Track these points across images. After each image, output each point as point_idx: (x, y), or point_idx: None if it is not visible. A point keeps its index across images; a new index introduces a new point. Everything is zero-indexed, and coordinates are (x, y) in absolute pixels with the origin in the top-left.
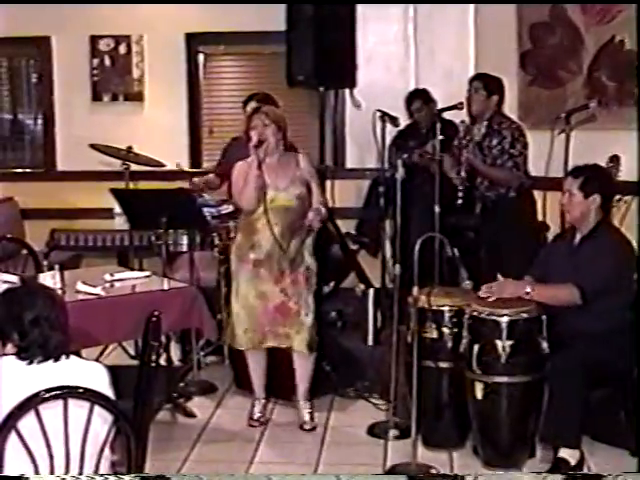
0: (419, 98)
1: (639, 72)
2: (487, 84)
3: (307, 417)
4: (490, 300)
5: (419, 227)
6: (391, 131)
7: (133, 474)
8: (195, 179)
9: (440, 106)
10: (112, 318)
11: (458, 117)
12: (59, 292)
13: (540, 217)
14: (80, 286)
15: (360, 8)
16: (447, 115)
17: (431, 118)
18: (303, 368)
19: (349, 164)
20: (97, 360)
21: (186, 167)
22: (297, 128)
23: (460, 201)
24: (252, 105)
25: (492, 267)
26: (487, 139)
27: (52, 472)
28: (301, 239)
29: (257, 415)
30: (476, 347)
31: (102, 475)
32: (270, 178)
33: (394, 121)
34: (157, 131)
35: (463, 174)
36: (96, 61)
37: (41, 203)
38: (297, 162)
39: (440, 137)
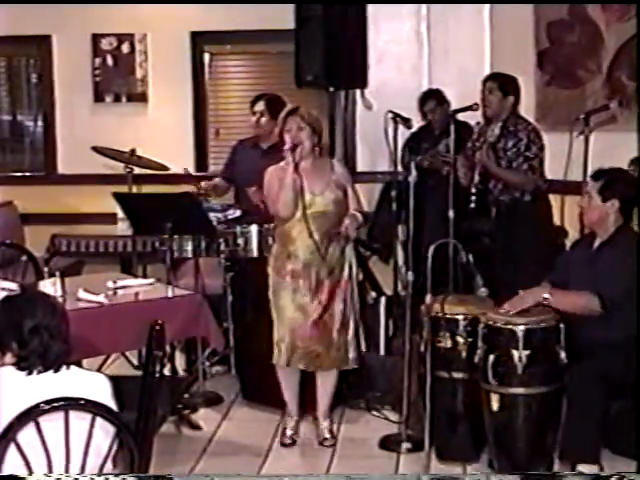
0: (433, 98)
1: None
2: (502, 84)
3: (327, 434)
4: (513, 313)
5: (432, 232)
6: (403, 133)
7: (135, 474)
8: (202, 183)
9: (454, 107)
10: (114, 327)
11: (473, 119)
12: (60, 300)
13: (558, 222)
14: (82, 294)
15: (371, 6)
16: (462, 116)
17: (445, 119)
18: (326, 384)
19: (360, 167)
20: (99, 370)
21: (192, 171)
22: None
23: (473, 205)
24: (259, 107)
25: (507, 274)
26: (502, 141)
27: None
28: (340, 247)
29: (290, 433)
30: (492, 357)
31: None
32: (306, 182)
33: (406, 122)
34: (161, 133)
35: (477, 177)
36: (98, 61)
37: (41, 207)
38: (332, 167)
39: (452, 136)
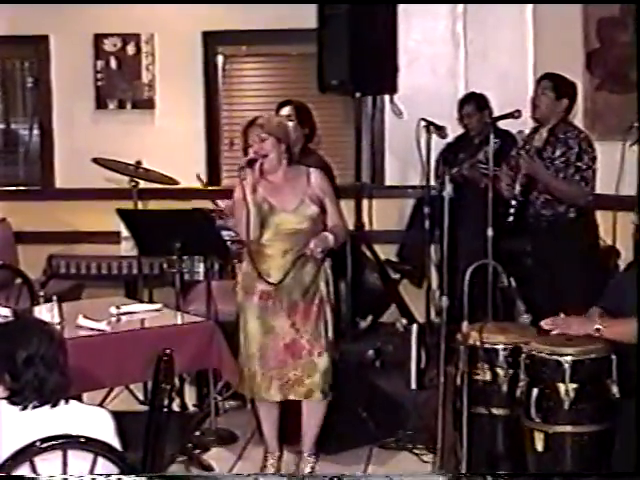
0: (473, 102)
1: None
2: (558, 86)
3: (309, 470)
4: (554, 333)
5: (469, 253)
6: (437, 143)
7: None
8: (220, 202)
9: (494, 114)
10: (118, 357)
11: (513, 127)
12: (57, 327)
13: (609, 241)
14: (81, 320)
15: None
16: (503, 124)
17: (484, 127)
18: (312, 415)
19: (389, 181)
20: (101, 405)
21: (204, 178)
22: (329, 140)
23: (511, 218)
24: (285, 112)
25: (548, 299)
26: (549, 148)
27: None
28: (316, 265)
29: (271, 471)
30: (535, 391)
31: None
32: (276, 199)
33: (441, 131)
34: (170, 143)
35: (518, 187)
36: (100, 63)
37: (37, 225)
38: (308, 177)
39: (494, 142)
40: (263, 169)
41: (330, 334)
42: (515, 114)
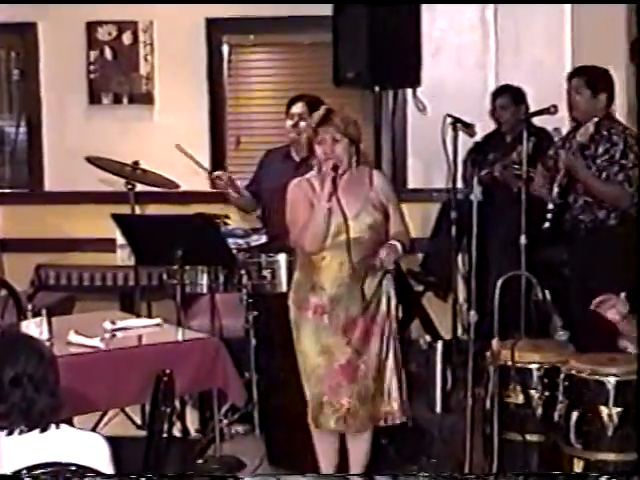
0: (508, 94)
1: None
2: (591, 80)
3: None
4: (616, 320)
5: (500, 263)
6: (465, 142)
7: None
8: (219, 172)
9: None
10: (113, 377)
11: (549, 123)
12: (47, 344)
13: None
14: (73, 337)
15: None
16: (538, 121)
17: (518, 124)
18: (358, 451)
19: (412, 183)
20: (94, 430)
21: (206, 186)
22: None
23: (547, 224)
24: (298, 108)
25: (588, 313)
26: (591, 146)
27: None
28: (377, 278)
29: None
30: (575, 415)
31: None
32: (335, 204)
33: (469, 129)
34: (170, 142)
35: (556, 189)
36: (94, 54)
37: (24, 232)
38: (370, 180)
39: (529, 140)
40: (336, 175)
41: (396, 354)
42: (551, 109)
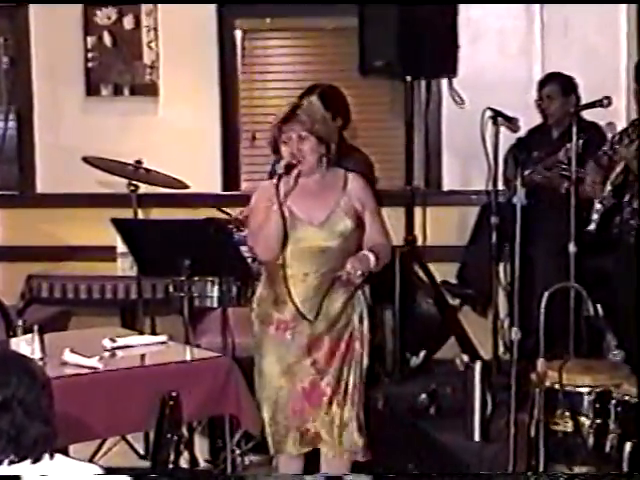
0: (557, 82)
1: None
2: None
3: None
4: None
5: (547, 273)
6: (507, 138)
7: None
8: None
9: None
10: (113, 401)
11: (602, 117)
12: (39, 364)
13: None
14: (68, 356)
15: None
16: (589, 115)
17: (566, 117)
18: (335, 467)
19: (447, 185)
20: (92, 461)
21: (218, 188)
22: (373, 135)
23: (592, 226)
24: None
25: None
26: None
27: None
28: (347, 293)
29: None
30: (629, 445)
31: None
32: (301, 208)
33: (511, 123)
34: (177, 138)
35: (609, 187)
36: (92, 40)
37: (14, 238)
38: (344, 184)
39: (578, 137)
40: (299, 174)
41: (356, 380)
42: (604, 102)
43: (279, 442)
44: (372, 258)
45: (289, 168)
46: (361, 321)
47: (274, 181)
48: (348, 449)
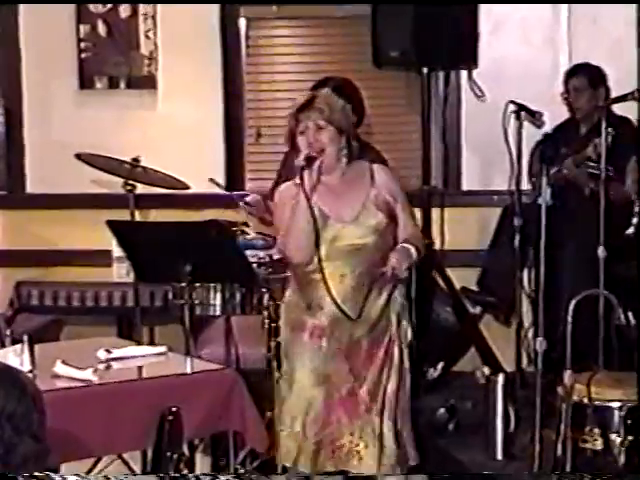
0: (584, 74)
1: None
2: None
3: None
4: None
5: (574, 280)
6: (532, 134)
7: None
8: (251, 198)
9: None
10: (109, 417)
11: (629, 111)
12: (29, 377)
13: None
14: (60, 368)
15: None
16: (619, 109)
17: (595, 111)
18: None
19: (467, 184)
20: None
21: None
22: (387, 131)
23: (632, 230)
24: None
25: None
26: None
27: None
28: (386, 293)
29: None
30: None
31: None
32: (329, 206)
33: (536, 118)
34: (177, 134)
35: None
36: (85, 28)
37: (1, 242)
38: (371, 176)
39: (607, 132)
40: (321, 166)
41: (395, 386)
42: (636, 95)
43: (309, 459)
44: (413, 250)
45: (310, 160)
46: (399, 322)
47: (296, 180)
48: (388, 461)
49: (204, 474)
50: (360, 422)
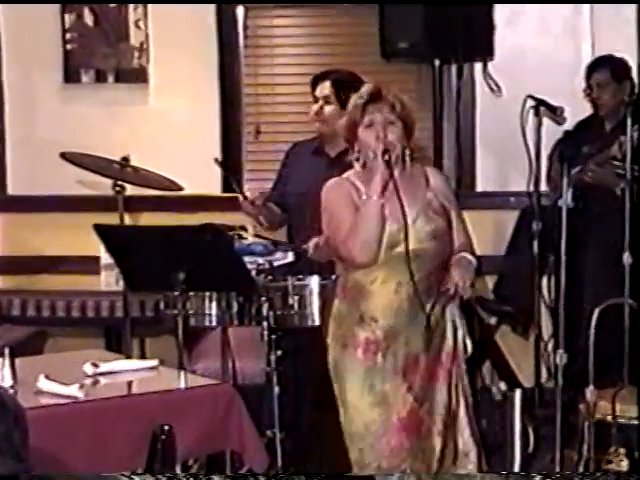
0: (607, 67)
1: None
2: None
3: None
4: None
5: (597, 288)
6: (552, 131)
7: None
8: (252, 197)
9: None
10: (96, 435)
11: None
12: (10, 393)
13: None
14: (43, 383)
15: None
16: None
17: (620, 107)
18: None
19: (481, 185)
20: None
21: (217, 189)
22: None
23: None
24: (324, 89)
25: None
26: None
27: None
28: (441, 304)
29: None
30: None
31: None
32: (388, 207)
33: (556, 114)
34: (169, 132)
35: None
36: (70, 18)
37: None
38: (426, 179)
39: (634, 129)
40: (390, 164)
41: (462, 406)
42: None
43: None
44: (474, 260)
45: (388, 155)
46: (455, 332)
47: (349, 176)
48: None
49: (200, 474)
50: (419, 443)
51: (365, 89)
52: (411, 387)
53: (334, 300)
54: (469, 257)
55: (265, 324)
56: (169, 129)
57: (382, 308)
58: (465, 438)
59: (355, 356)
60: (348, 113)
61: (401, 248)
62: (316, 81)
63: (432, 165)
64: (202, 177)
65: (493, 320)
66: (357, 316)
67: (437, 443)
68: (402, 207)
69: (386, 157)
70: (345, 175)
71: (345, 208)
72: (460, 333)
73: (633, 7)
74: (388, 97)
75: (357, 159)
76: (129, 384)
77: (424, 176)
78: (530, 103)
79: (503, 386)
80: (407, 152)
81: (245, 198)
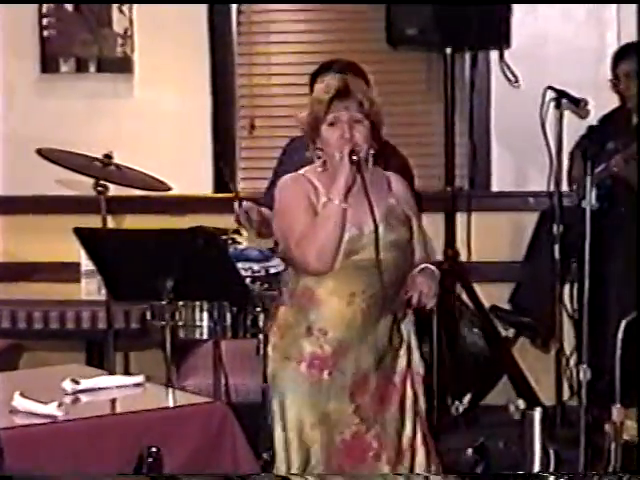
0: (634, 58)
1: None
2: None
3: None
4: None
5: (624, 297)
6: (574, 126)
7: None
8: (247, 204)
9: None
10: (76, 458)
11: None
12: None
13: None
14: (19, 401)
15: None
16: None
17: None
18: None
19: (497, 185)
20: None
21: (208, 189)
22: (403, 121)
23: None
24: (330, 80)
25: None
26: None
27: None
28: (392, 318)
29: None
30: None
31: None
32: (350, 213)
33: (579, 107)
34: (156, 126)
35: None
36: (48, 5)
37: None
38: (388, 184)
39: None
40: (359, 165)
41: (409, 430)
42: None
43: None
44: (438, 273)
45: (356, 154)
46: (410, 352)
47: (306, 173)
48: None
49: (196, 474)
50: (365, 471)
51: (332, 82)
52: (358, 408)
53: (278, 306)
54: (432, 267)
55: (261, 337)
56: (156, 124)
57: (333, 320)
58: (419, 460)
59: (299, 370)
60: (311, 107)
61: (359, 256)
62: (318, 72)
63: (443, 163)
64: (192, 176)
65: (510, 332)
66: (304, 327)
67: (388, 469)
68: (372, 212)
69: (354, 158)
70: (302, 171)
71: (301, 209)
72: (415, 355)
73: None
74: (356, 94)
75: (318, 157)
76: (112, 402)
77: (386, 181)
78: (550, 95)
79: (521, 404)
80: (371, 154)
81: (240, 202)
